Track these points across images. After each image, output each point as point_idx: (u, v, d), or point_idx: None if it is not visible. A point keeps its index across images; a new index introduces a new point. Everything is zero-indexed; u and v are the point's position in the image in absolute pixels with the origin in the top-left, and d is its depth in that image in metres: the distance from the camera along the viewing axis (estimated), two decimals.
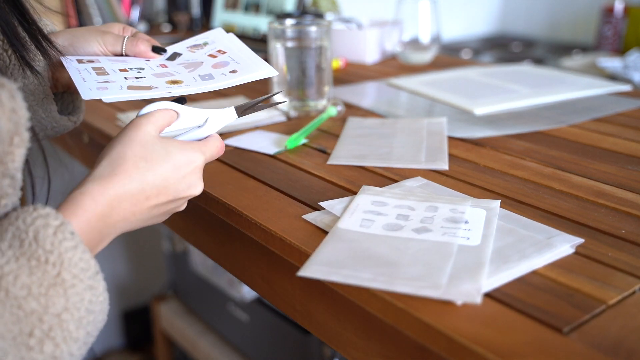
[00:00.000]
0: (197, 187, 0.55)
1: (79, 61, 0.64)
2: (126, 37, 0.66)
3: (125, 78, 0.61)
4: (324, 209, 0.61)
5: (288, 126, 0.90)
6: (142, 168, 0.51)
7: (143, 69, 0.64)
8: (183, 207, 0.57)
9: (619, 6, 1.81)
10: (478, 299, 0.45)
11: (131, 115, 0.92)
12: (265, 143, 0.82)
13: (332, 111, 0.92)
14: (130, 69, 0.64)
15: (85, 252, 0.45)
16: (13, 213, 0.45)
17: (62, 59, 0.63)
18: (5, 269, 0.42)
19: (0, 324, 0.40)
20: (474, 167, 0.73)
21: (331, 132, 0.87)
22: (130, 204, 0.50)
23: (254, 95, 1.05)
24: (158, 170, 0.52)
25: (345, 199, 0.63)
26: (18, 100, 0.42)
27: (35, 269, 0.43)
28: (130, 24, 1.67)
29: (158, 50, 0.67)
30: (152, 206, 0.52)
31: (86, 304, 0.45)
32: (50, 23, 0.67)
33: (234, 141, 0.83)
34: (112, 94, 0.57)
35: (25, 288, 0.42)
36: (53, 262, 0.43)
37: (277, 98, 0.90)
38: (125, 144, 0.52)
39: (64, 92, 0.71)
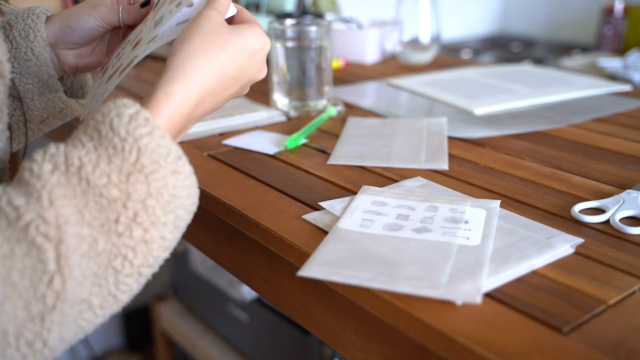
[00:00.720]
0: (264, 70, 0.57)
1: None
2: (121, 8, 0.65)
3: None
4: (324, 209, 0.61)
5: (288, 126, 0.90)
6: (223, 60, 0.51)
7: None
8: (246, 92, 0.58)
9: (619, 6, 1.81)
10: (478, 299, 0.45)
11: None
12: (265, 143, 0.82)
13: (332, 111, 0.92)
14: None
15: (164, 137, 0.45)
16: (97, 109, 0.45)
17: None
18: (84, 159, 0.42)
19: (87, 213, 0.42)
20: (474, 167, 0.73)
21: (331, 132, 0.87)
22: (212, 98, 0.51)
23: None
24: (237, 60, 0.52)
25: (345, 199, 0.63)
26: None
27: (114, 157, 0.43)
28: None
29: (145, 4, 0.65)
30: (228, 96, 0.54)
31: (170, 189, 0.45)
32: (50, 8, 0.68)
33: (234, 141, 0.83)
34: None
35: (105, 176, 0.42)
36: (129, 150, 0.43)
37: None
38: (203, 36, 0.51)
39: (74, 77, 0.73)
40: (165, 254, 0.47)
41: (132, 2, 0.67)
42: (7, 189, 0.42)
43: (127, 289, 0.45)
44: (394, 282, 0.47)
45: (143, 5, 0.65)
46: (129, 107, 0.45)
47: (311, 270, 0.50)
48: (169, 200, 0.45)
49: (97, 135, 0.44)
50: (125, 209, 0.43)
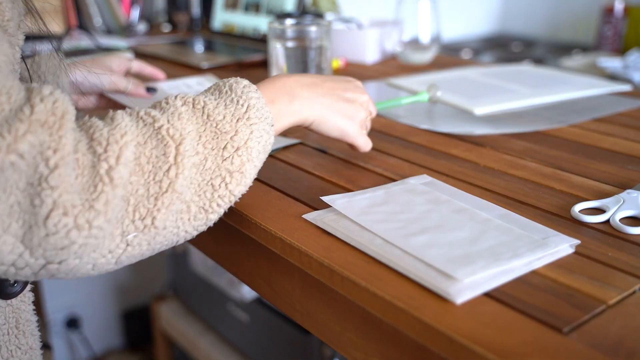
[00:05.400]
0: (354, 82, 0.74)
1: None
2: (130, 83, 0.88)
3: None
4: (324, 208, 0.61)
5: None
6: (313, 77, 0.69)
7: None
8: (362, 102, 0.72)
9: (619, 6, 1.81)
10: (468, 297, 0.45)
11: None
12: None
13: (424, 97, 0.89)
14: None
15: (266, 105, 0.59)
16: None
17: None
18: (207, 101, 0.55)
19: (203, 136, 0.54)
20: (474, 167, 0.73)
21: None
22: (305, 85, 0.66)
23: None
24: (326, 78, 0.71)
25: (348, 194, 0.63)
26: None
27: (229, 105, 0.56)
28: (131, 24, 1.67)
29: (149, 90, 0.90)
30: (327, 89, 0.68)
31: (263, 143, 0.58)
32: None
33: None
34: None
35: (222, 114, 0.55)
36: (242, 104, 0.57)
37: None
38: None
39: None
40: (244, 188, 0.57)
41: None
42: (145, 107, 0.53)
43: (217, 208, 0.55)
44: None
45: (148, 90, 0.90)
46: (243, 81, 0.59)
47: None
48: (260, 150, 0.57)
49: (218, 92, 0.58)
50: (232, 141, 0.55)
